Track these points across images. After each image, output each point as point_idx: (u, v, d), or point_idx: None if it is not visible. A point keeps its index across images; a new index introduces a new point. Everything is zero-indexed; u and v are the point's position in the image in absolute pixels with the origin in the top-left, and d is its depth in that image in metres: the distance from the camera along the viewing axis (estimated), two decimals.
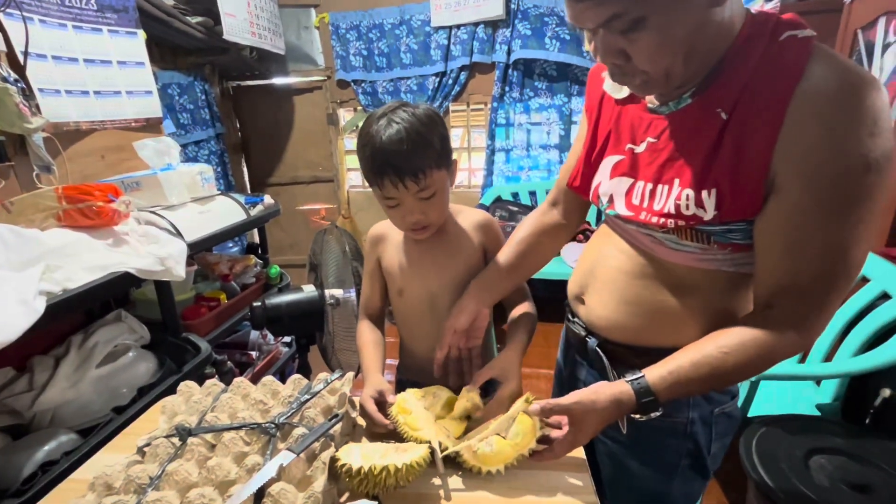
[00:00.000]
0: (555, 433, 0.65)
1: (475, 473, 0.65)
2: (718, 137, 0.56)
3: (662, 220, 0.61)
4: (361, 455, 0.63)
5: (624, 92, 0.70)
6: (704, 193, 0.57)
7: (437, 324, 0.85)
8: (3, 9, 1.16)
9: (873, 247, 1.40)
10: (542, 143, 2.88)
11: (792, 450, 1.11)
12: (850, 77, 0.49)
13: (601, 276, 0.74)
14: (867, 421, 1.29)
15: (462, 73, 2.79)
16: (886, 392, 1.27)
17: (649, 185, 0.64)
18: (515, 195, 2.91)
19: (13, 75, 1.17)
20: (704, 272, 0.63)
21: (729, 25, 0.55)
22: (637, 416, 0.61)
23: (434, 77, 2.82)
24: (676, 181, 0.60)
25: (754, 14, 0.56)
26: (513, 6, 2.59)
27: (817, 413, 1.34)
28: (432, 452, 0.65)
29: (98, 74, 1.49)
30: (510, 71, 2.73)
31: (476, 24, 2.65)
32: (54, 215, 1.07)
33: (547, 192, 3.00)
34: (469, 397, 0.73)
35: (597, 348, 0.74)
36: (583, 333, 0.78)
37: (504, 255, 0.85)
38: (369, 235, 0.94)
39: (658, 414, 0.60)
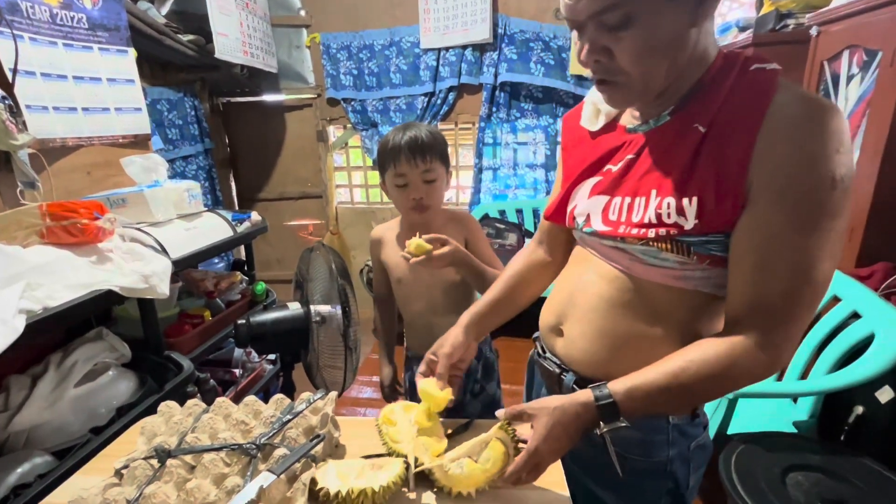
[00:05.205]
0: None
1: (447, 493, 0.66)
2: (697, 148, 0.59)
3: (643, 230, 0.61)
4: (337, 474, 0.63)
5: (600, 122, 0.73)
6: (686, 201, 0.58)
7: (429, 304, 1.12)
8: None
9: (843, 267, 1.45)
10: (529, 162, 2.94)
11: (770, 467, 1.13)
12: (815, 102, 0.54)
13: (581, 303, 0.72)
14: (842, 437, 1.32)
15: (450, 93, 2.85)
16: (859, 409, 1.31)
17: (627, 199, 0.65)
18: (502, 213, 2.95)
19: (1, 92, 1.17)
20: (682, 294, 0.63)
21: (704, 54, 0.60)
22: (602, 428, 0.59)
23: (423, 97, 2.88)
24: (654, 191, 0.61)
25: (726, 52, 0.61)
26: (500, 31, 2.67)
27: (794, 430, 1.37)
28: (406, 467, 0.66)
29: (87, 91, 1.49)
30: (497, 92, 2.79)
31: (464, 47, 2.72)
32: (38, 232, 1.07)
33: (533, 211, 3.06)
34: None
35: (574, 386, 0.71)
36: (557, 371, 0.75)
37: (494, 291, 0.87)
38: (370, 238, 1.21)
39: (624, 424, 0.59)
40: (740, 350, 0.57)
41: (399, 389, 1.30)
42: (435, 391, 0.76)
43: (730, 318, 0.60)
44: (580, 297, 0.72)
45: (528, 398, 0.90)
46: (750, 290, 0.57)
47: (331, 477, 0.63)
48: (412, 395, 1.24)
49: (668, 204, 0.59)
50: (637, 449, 0.69)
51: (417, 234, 0.98)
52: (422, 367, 0.83)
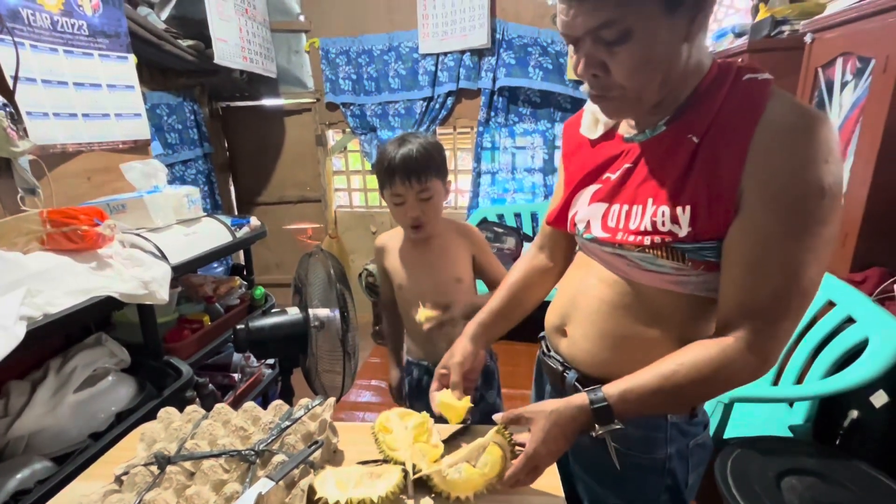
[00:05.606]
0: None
1: (445, 498, 0.66)
2: (691, 159, 0.60)
3: (639, 238, 0.63)
4: (336, 482, 0.64)
5: (599, 131, 0.75)
6: (679, 210, 0.60)
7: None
8: None
9: (837, 273, 1.46)
10: (527, 166, 2.95)
11: (765, 471, 1.13)
12: (806, 113, 0.55)
13: (583, 306, 0.74)
14: (837, 441, 1.33)
15: (449, 98, 2.87)
16: (854, 413, 1.31)
17: (625, 207, 0.66)
18: (501, 217, 2.97)
19: (1, 100, 1.18)
20: (680, 298, 0.65)
21: (698, 65, 0.62)
22: (597, 430, 0.61)
23: (422, 101, 2.89)
24: (650, 200, 0.63)
25: (720, 62, 0.63)
26: (498, 36, 2.69)
27: (790, 434, 1.38)
28: (405, 475, 0.67)
29: (87, 97, 1.50)
30: (495, 97, 2.81)
31: (462, 52, 2.74)
32: (38, 238, 1.07)
33: (531, 214, 3.07)
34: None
35: (576, 384, 0.74)
36: (560, 369, 0.78)
37: (497, 299, 0.89)
38: (375, 246, 1.23)
39: (618, 427, 0.61)
40: (730, 353, 0.58)
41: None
42: (454, 401, 0.77)
43: (721, 321, 0.62)
44: (582, 300, 0.75)
45: (537, 393, 0.92)
46: (740, 294, 0.59)
47: (329, 486, 0.63)
48: (411, 398, 1.26)
49: (663, 212, 0.61)
50: (637, 445, 0.71)
51: (420, 304, 1.05)
52: (434, 385, 0.84)
